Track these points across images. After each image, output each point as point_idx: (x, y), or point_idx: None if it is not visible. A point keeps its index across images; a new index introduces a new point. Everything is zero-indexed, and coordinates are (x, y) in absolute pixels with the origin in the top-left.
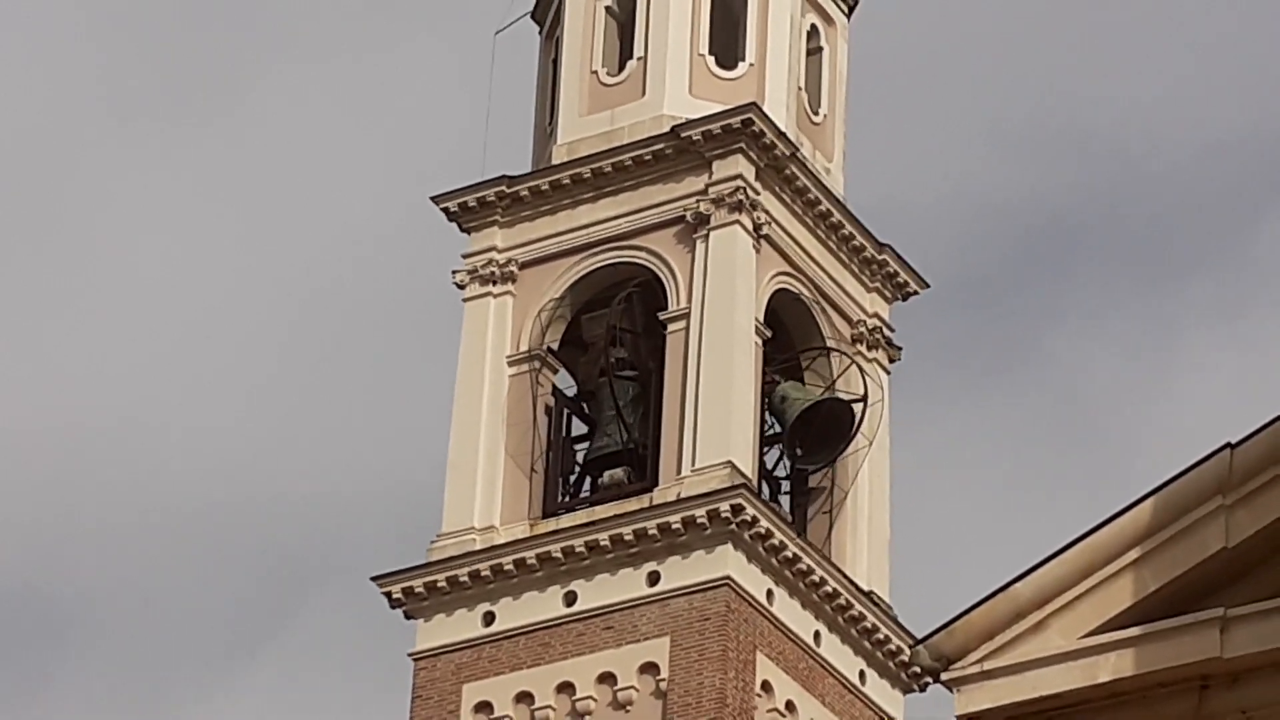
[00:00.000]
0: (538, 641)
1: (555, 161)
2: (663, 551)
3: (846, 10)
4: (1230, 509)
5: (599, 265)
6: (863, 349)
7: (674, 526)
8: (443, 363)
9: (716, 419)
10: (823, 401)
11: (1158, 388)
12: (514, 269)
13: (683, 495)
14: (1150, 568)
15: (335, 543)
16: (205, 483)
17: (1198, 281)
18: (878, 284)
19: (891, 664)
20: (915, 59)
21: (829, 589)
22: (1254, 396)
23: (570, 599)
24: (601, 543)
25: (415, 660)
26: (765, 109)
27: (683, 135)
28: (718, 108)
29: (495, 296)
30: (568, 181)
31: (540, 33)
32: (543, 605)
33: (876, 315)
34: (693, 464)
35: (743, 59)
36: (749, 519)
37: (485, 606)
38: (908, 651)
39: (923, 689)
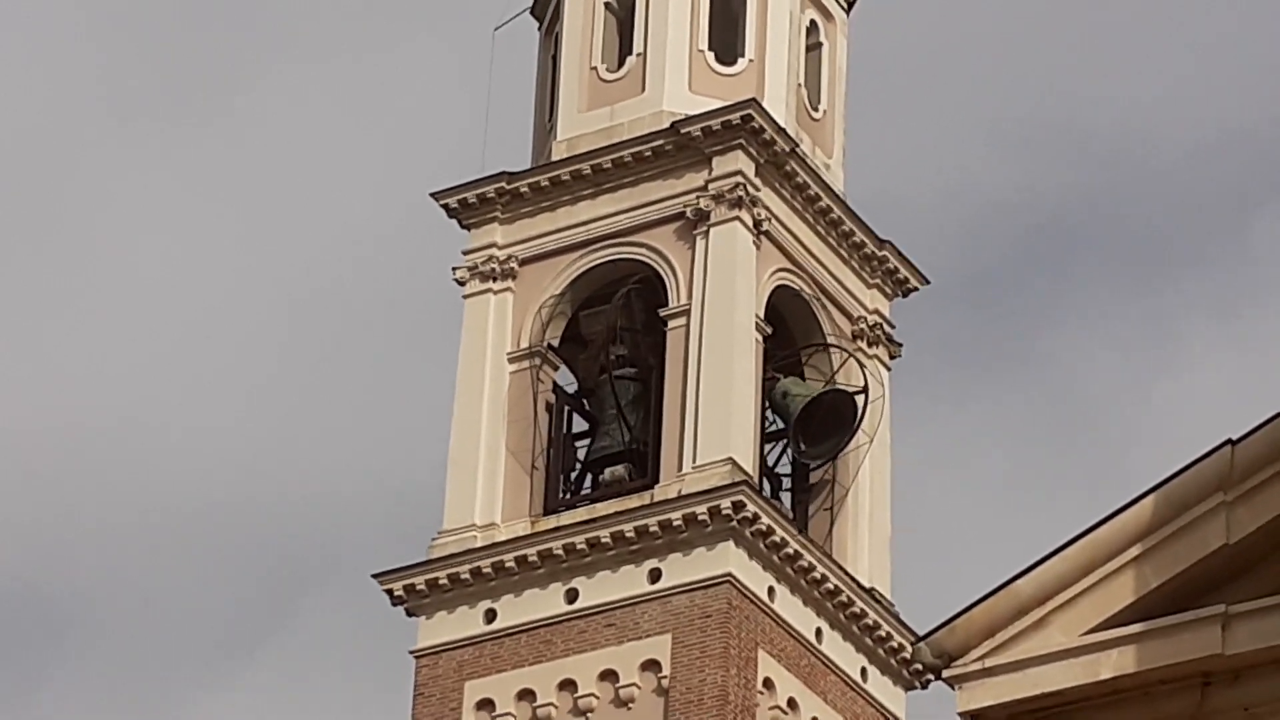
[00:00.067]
0: (539, 639)
1: (555, 158)
2: (664, 548)
3: (846, 6)
4: (1231, 505)
5: (599, 262)
6: (863, 345)
7: (675, 523)
8: (443, 360)
9: (717, 416)
10: (825, 394)
11: (1157, 384)
12: (514, 265)
13: (684, 492)
14: (1152, 564)
15: (336, 540)
16: (205, 482)
17: (1197, 278)
18: (878, 280)
19: (893, 661)
20: (915, 55)
21: (830, 586)
22: (1253, 393)
23: (572, 596)
24: (603, 540)
25: (417, 658)
26: (765, 105)
27: (682, 131)
28: (717, 104)
29: (495, 293)
30: (568, 178)
31: (539, 29)
32: (544, 602)
33: (877, 311)
34: (694, 461)
35: (742, 55)
36: (750, 516)
37: (487, 604)
38: (909, 648)
39: (924, 686)
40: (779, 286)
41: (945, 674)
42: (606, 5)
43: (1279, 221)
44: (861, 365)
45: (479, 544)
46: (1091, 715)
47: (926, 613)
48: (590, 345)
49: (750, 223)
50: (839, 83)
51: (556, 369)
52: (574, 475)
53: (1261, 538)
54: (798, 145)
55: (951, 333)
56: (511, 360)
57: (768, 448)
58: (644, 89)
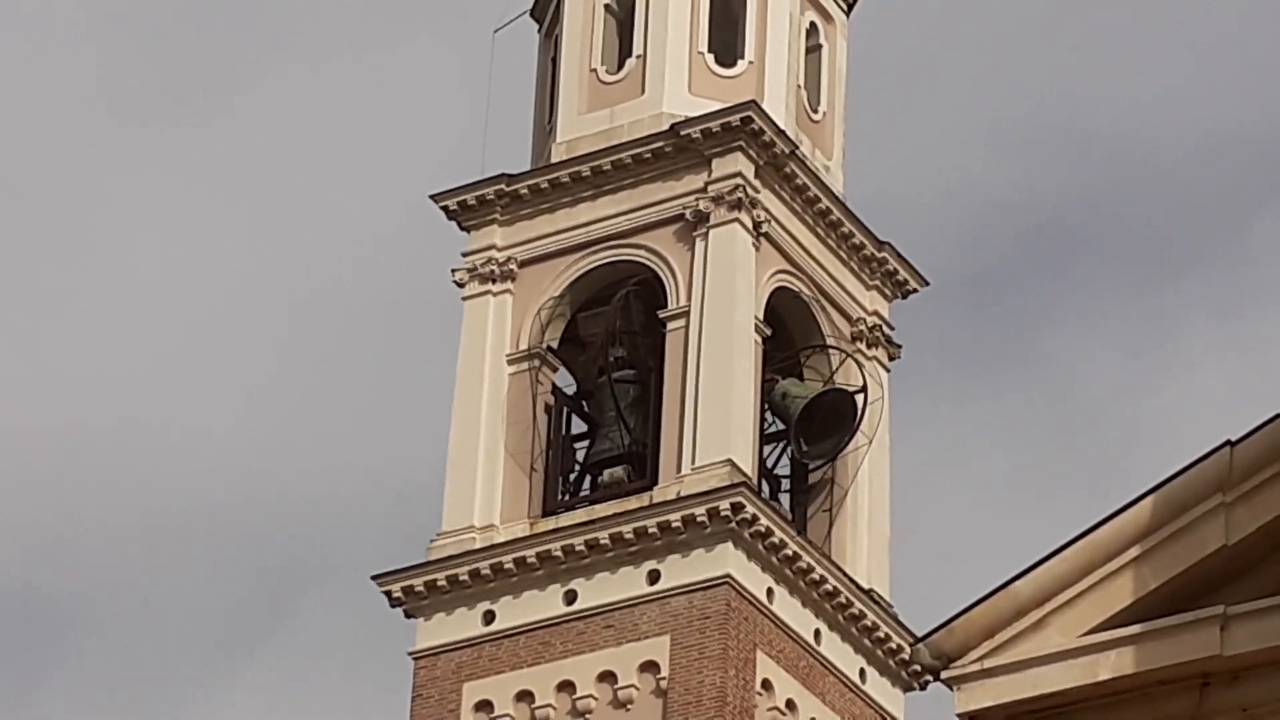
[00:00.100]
0: (538, 640)
1: (555, 160)
2: (663, 550)
3: (846, 8)
4: (1230, 506)
5: (598, 263)
6: (862, 347)
7: (674, 525)
8: (442, 361)
9: (716, 417)
10: (826, 393)
11: (1156, 385)
12: (513, 267)
13: (683, 494)
14: (1150, 565)
15: (335, 542)
16: (205, 483)
17: (1196, 279)
18: (877, 282)
19: (892, 662)
20: (915, 57)
21: (829, 587)
22: (1252, 394)
23: (570, 598)
24: (601, 541)
25: (415, 659)
26: (764, 107)
27: (682, 133)
28: (717, 105)
29: (495, 295)
30: (567, 180)
31: (539, 31)
32: (543, 604)
33: (876, 313)
34: (693, 462)
35: (742, 57)
36: (749, 517)
37: (485, 605)
38: (908, 650)
39: (923, 687)
40: (778, 288)
41: (944, 675)
42: (606, 7)
43: (1279, 222)
44: (860, 366)
45: (478, 545)
46: (1090, 716)
47: (925, 614)
48: (589, 347)
49: (750, 224)
50: (839, 84)
51: (556, 370)
52: (573, 477)
53: (1260, 539)
54: (797, 147)
55: (951, 334)
56: (511, 362)
57: (767, 449)
58: (644, 91)
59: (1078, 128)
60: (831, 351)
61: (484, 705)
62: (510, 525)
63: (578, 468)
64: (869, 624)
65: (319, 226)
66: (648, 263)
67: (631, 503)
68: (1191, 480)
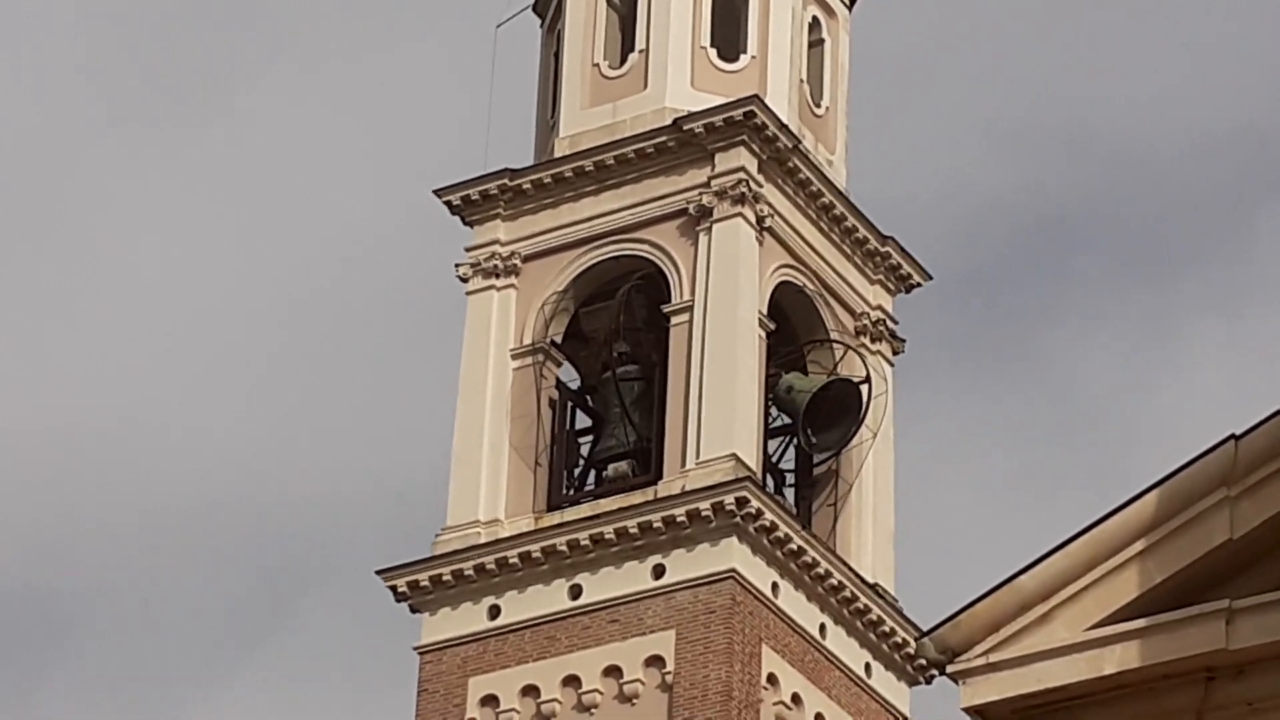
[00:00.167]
0: (543, 635)
1: (557, 154)
2: (668, 544)
3: (848, 2)
4: (1235, 500)
5: (602, 258)
6: (866, 341)
7: (679, 519)
8: (446, 356)
9: (720, 412)
10: (831, 383)
11: (1159, 381)
12: (517, 262)
13: (687, 488)
14: (1155, 560)
15: (340, 537)
16: (209, 480)
17: (1197, 276)
18: (881, 276)
19: (897, 656)
20: (918, 52)
21: (834, 581)
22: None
23: (575, 592)
24: (606, 536)
25: (421, 654)
26: (767, 101)
27: (685, 128)
28: (720, 100)
29: (498, 289)
30: (570, 174)
31: (541, 26)
32: (548, 598)
33: (880, 307)
34: (697, 457)
35: (744, 51)
36: (754, 511)
37: (490, 600)
38: (913, 644)
39: (928, 681)
40: (782, 283)
41: (949, 669)
42: (608, 2)
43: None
44: (864, 360)
45: (483, 540)
46: (1095, 710)
47: (930, 608)
48: (593, 342)
49: (753, 219)
50: (841, 79)
51: (560, 365)
52: (577, 471)
53: (1265, 532)
54: (800, 141)
55: (954, 329)
56: (515, 357)
57: (771, 444)
58: (646, 85)
59: (1080, 124)
60: (835, 345)
61: (490, 700)
62: (515, 520)
63: (582, 462)
64: (874, 618)
65: (322, 223)
66: (651, 257)
67: (636, 497)
68: (1196, 474)
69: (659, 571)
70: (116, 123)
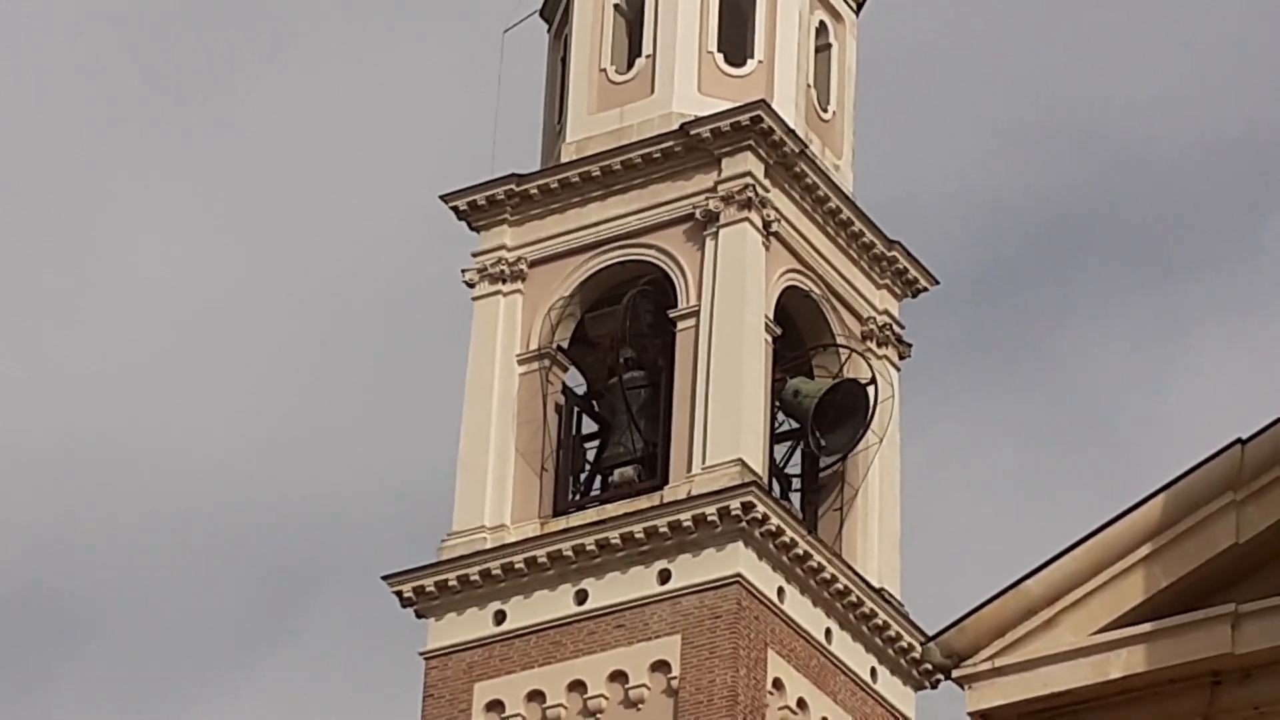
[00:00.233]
0: (549, 640)
1: (564, 160)
2: (673, 549)
3: (855, 7)
4: (1241, 505)
5: (609, 263)
6: (873, 346)
7: (685, 524)
8: (452, 361)
9: (727, 416)
10: (839, 385)
11: (1166, 383)
12: (523, 267)
13: (693, 493)
14: (1161, 564)
15: (346, 542)
16: (215, 483)
17: (1206, 278)
18: (887, 281)
19: (903, 661)
20: (924, 56)
21: (840, 586)
22: (1263, 393)
23: (581, 597)
24: (612, 541)
25: (426, 659)
26: (774, 106)
27: (692, 133)
28: (727, 105)
29: (505, 295)
30: (577, 179)
31: (549, 31)
32: (554, 604)
33: (886, 312)
34: (703, 462)
35: (751, 56)
36: (760, 516)
37: (496, 605)
38: (919, 648)
39: (934, 686)
40: (788, 287)
41: (955, 674)
42: (616, 7)
43: None
44: (870, 365)
45: (488, 545)
46: (1101, 715)
47: (936, 613)
48: (599, 347)
49: (759, 224)
50: (848, 84)
51: (566, 370)
52: (583, 476)
53: (1271, 537)
54: (807, 146)
55: (961, 333)
56: (521, 362)
57: (777, 449)
58: (653, 91)
59: (1087, 127)
60: (841, 350)
61: (495, 705)
62: (521, 525)
63: (588, 467)
64: (880, 623)
65: (327, 227)
66: (657, 262)
67: (642, 502)
68: (1202, 478)
69: (665, 577)
70: (116, 123)
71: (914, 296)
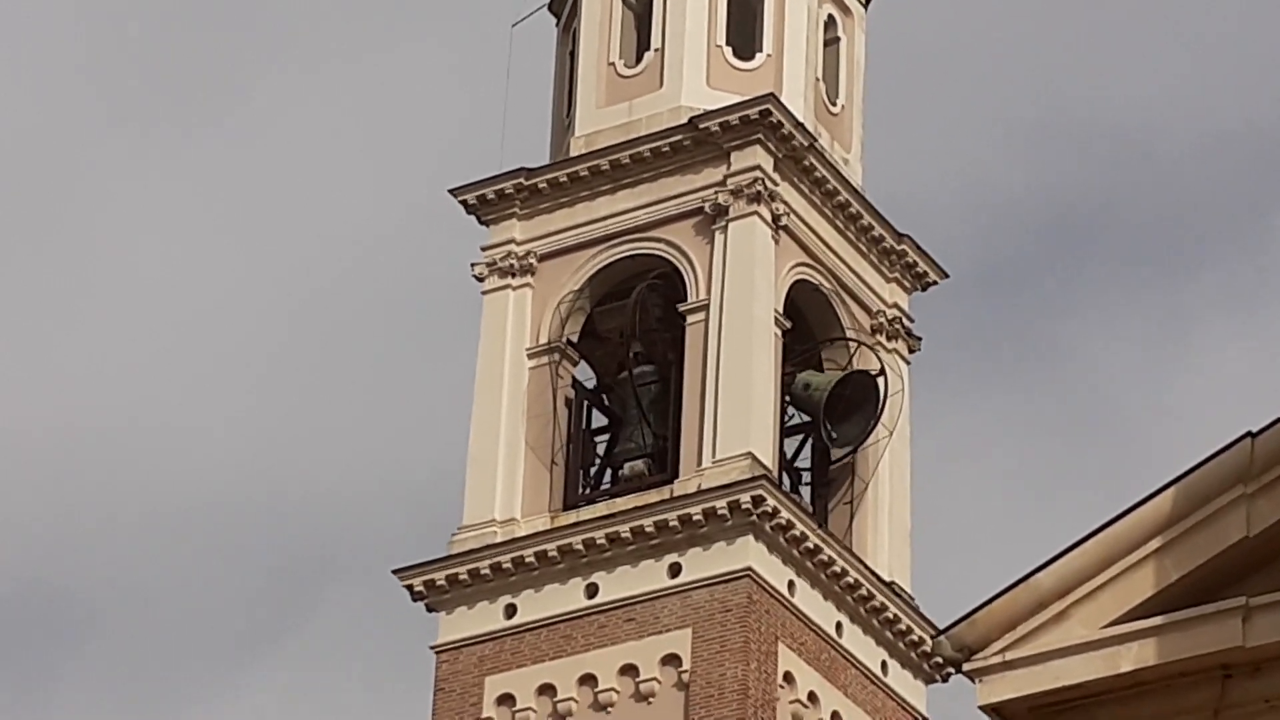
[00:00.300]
0: (559, 634)
1: (573, 153)
2: (684, 543)
3: (864, 1)
4: (1251, 498)
5: (618, 257)
6: (882, 339)
7: (695, 518)
8: (462, 356)
9: (737, 410)
10: (849, 377)
11: (1175, 377)
12: (533, 261)
13: (703, 487)
14: (1172, 557)
15: (356, 536)
16: (216, 481)
17: (1214, 272)
18: (897, 274)
19: (913, 654)
20: (933, 50)
21: (850, 580)
22: (1272, 387)
23: (592, 591)
24: (623, 534)
25: (437, 653)
26: (783, 100)
27: (701, 126)
28: (735, 99)
29: (514, 289)
30: (586, 173)
31: (557, 25)
32: (564, 597)
33: (896, 305)
34: (713, 455)
35: (760, 50)
36: (770, 510)
37: (507, 599)
38: (930, 642)
39: (945, 679)
40: (798, 281)
41: (966, 667)
42: (624, 1)
43: None
44: (879, 358)
45: (499, 539)
46: (1112, 708)
47: (947, 606)
48: (608, 341)
49: (769, 217)
50: (857, 77)
51: (575, 364)
52: (593, 470)
53: None
54: (816, 140)
55: (970, 327)
56: (531, 356)
57: (787, 442)
58: (662, 84)
59: (1095, 122)
60: (850, 344)
61: (506, 699)
62: (531, 519)
63: (598, 461)
64: (890, 616)
65: (337, 219)
66: (667, 256)
67: (652, 496)
68: (1213, 472)
69: (675, 570)
70: (116, 123)
71: (923, 290)
